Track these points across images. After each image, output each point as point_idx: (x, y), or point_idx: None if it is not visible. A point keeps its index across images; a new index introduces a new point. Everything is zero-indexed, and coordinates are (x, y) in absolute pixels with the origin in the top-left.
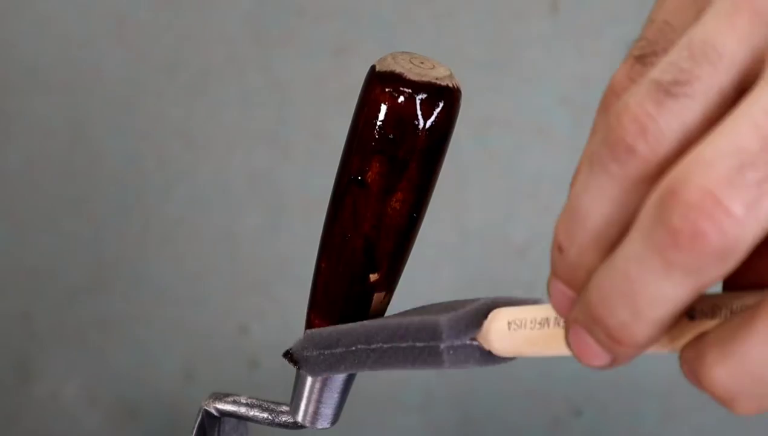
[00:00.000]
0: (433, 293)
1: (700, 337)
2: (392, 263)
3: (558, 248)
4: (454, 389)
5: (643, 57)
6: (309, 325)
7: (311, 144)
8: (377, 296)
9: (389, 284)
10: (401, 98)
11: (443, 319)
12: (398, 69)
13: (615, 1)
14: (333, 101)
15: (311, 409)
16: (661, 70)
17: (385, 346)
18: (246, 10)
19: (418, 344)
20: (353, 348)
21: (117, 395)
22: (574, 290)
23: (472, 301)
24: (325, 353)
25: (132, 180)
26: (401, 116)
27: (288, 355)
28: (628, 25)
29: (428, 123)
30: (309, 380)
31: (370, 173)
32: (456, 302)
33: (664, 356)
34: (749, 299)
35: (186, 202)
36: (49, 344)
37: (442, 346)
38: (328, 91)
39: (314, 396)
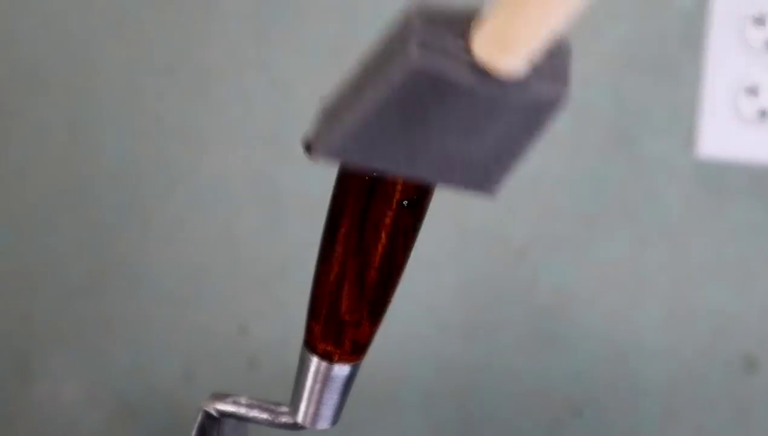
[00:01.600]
0: (434, 293)
1: None
2: (393, 263)
3: None
4: (454, 389)
5: None
6: (309, 331)
7: None
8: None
9: (390, 283)
10: None
11: None
12: None
13: (615, 1)
14: None
15: (311, 410)
16: None
17: None
18: (246, 10)
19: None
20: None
21: (117, 395)
22: None
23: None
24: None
25: (132, 180)
26: None
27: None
28: (628, 25)
29: None
30: (309, 380)
31: (370, 173)
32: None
33: (664, 355)
34: None
35: (186, 202)
36: (49, 344)
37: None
38: (328, 92)
39: (314, 397)
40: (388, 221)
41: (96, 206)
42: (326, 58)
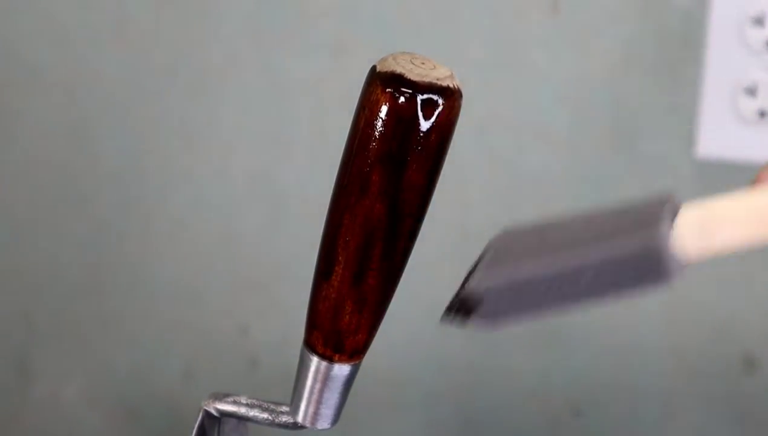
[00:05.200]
0: (433, 293)
1: None
2: (393, 265)
3: None
4: (455, 389)
5: None
6: (309, 333)
7: (311, 144)
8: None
9: (389, 285)
10: (402, 99)
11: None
12: (399, 69)
13: (615, 1)
14: (333, 101)
15: (311, 409)
16: None
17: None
18: (246, 10)
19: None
20: (558, 289)
21: (117, 395)
22: None
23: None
24: (522, 296)
25: (132, 180)
26: (402, 117)
27: (459, 305)
28: (628, 25)
29: (429, 123)
30: (309, 380)
31: (370, 174)
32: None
33: (664, 356)
34: None
35: (186, 202)
36: (49, 344)
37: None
38: (328, 91)
39: (314, 396)
40: (387, 223)
41: (96, 206)
42: (326, 58)
